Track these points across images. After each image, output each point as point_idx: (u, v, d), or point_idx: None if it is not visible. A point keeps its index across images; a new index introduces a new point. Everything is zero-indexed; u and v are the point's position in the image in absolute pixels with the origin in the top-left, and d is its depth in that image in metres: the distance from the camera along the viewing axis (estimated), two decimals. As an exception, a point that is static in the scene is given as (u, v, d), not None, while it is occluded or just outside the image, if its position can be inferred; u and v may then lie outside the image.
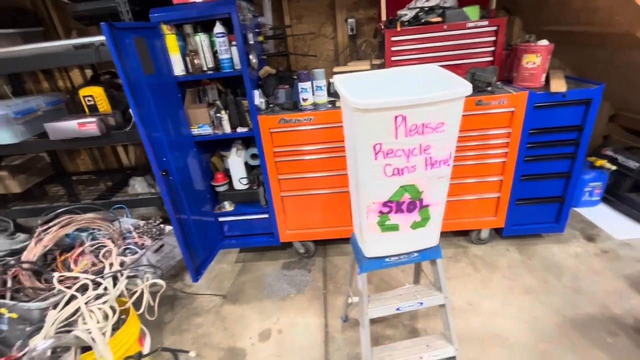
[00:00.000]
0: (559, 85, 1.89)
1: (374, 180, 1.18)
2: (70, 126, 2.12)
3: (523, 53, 1.97)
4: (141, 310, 1.70)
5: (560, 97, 1.91)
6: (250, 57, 1.89)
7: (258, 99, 1.98)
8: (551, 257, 2.26)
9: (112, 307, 1.47)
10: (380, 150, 1.12)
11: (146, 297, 1.72)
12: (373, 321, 1.87)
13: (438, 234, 1.39)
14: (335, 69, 1.99)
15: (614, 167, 2.57)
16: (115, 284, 1.61)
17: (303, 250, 2.47)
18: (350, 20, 2.64)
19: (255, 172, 2.30)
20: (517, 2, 2.66)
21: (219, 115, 2.07)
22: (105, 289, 1.54)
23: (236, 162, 2.29)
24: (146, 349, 1.67)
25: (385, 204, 1.24)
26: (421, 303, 1.48)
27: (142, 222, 2.32)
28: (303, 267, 2.42)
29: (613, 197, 2.70)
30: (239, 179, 2.31)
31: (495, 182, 2.17)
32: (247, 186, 2.35)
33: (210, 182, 2.35)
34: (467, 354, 1.67)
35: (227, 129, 2.09)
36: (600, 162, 2.60)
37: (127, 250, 1.92)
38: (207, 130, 2.09)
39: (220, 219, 2.36)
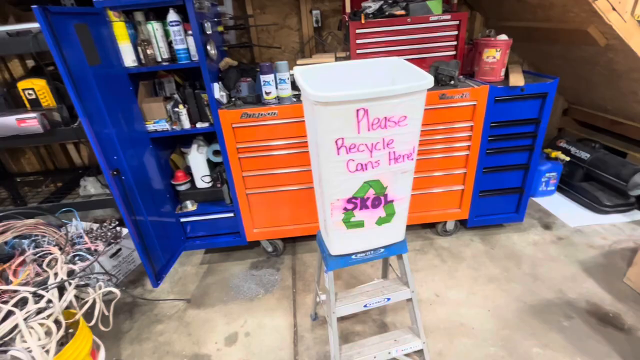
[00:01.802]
0: (517, 79, 1.95)
1: (337, 176, 1.14)
2: (8, 122, 1.91)
3: (484, 47, 2.00)
4: (93, 322, 1.57)
5: (519, 91, 1.96)
6: (208, 47, 1.78)
7: (218, 92, 1.88)
8: (512, 245, 2.35)
9: (57, 321, 1.34)
10: (342, 145, 1.08)
11: (99, 307, 1.59)
12: (342, 318, 1.86)
13: (404, 228, 1.38)
14: (299, 62, 1.93)
15: (567, 159, 2.71)
16: (62, 295, 1.48)
17: (271, 248, 2.40)
18: (315, 12, 2.58)
19: (218, 169, 2.19)
20: (478, -3, 2.72)
21: (177, 109, 1.95)
22: (49, 301, 1.40)
23: (197, 159, 2.18)
24: (100, 363, 1.55)
25: (349, 201, 1.20)
26: (388, 299, 1.47)
27: (95, 226, 2.16)
28: (272, 265, 2.36)
29: (567, 186, 2.85)
30: (201, 177, 2.20)
31: (459, 174, 2.21)
32: (210, 184, 2.25)
33: (170, 181, 2.22)
34: (434, 345, 1.70)
35: (186, 124, 1.98)
36: (555, 154, 2.74)
37: (77, 257, 1.77)
38: (164, 125, 1.96)
39: (182, 220, 2.24)
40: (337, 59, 2.01)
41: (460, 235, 2.48)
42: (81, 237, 1.90)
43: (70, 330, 1.41)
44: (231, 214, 2.24)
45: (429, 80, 1.04)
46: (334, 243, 1.32)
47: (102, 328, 1.67)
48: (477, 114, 2.00)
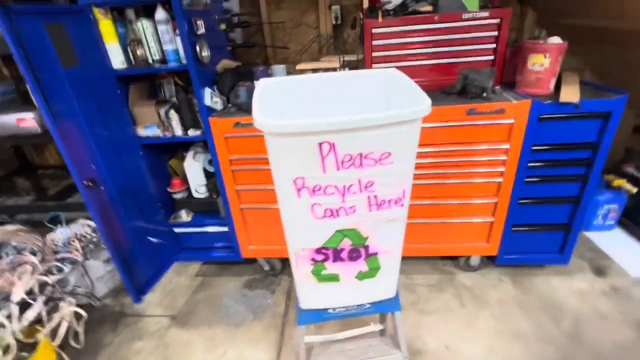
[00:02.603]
0: (570, 93, 1.54)
1: (301, 223, 0.90)
2: (8, 121, 1.89)
3: (529, 52, 1.61)
4: (57, 342, 1.48)
5: (572, 109, 1.56)
6: (198, 48, 1.60)
7: (209, 98, 1.70)
8: (551, 293, 1.94)
9: (5, 345, 1.25)
10: (303, 186, 0.83)
11: (64, 327, 1.49)
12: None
13: (394, 284, 1.10)
14: (299, 66, 1.69)
15: (634, 190, 2.20)
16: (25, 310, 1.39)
17: (268, 267, 2.21)
18: (334, 7, 2.31)
19: (214, 179, 2.03)
20: (531, -11, 2.27)
21: (169, 115, 1.80)
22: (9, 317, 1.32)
23: (193, 167, 2.03)
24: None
25: (318, 251, 0.95)
26: (373, 364, 1.20)
27: (89, 230, 2.10)
28: (267, 286, 2.17)
29: (632, 222, 2.33)
30: (196, 187, 2.06)
31: (489, 204, 1.84)
32: (206, 194, 2.10)
33: (166, 188, 2.10)
34: (433, 417, 1.40)
35: (178, 131, 1.83)
36: (618, 182, 2.23)
37: (62, 265, 1.69)
38: (155, 131, 1.83)
39: (176, 230, 2.12)
40: (344, 63, 1.74)
41: (487, 273, 2.11)
42: (68, 244, 1.84)
43: (24, 354, 1.32)
44: (226, 228, 2.07)
45: (423, 106, 0.76)
46: (303, 296, 1.08)
47: (74, 344, 1.59)
48: (515, 134, 1.63)
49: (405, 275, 2.12)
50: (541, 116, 1.59)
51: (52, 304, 1.57)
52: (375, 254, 0.99)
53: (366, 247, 0.96)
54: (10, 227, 1.68)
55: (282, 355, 1.72)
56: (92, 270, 2.05)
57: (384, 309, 1.15)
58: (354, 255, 0.97)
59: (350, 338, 1.28)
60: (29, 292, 1.51)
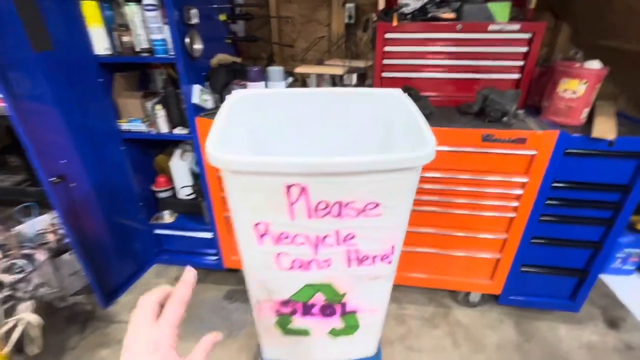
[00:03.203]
0: (605, 128, 1.34)
1: (263, 272, 0.74)
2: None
3: (562, 76, 1.41)
4: (7, 349, 1.36)
5: (605, 146, 1.35)
6: (188, 39, 1.43)
7: (199, 95, 1.54)
8: (556, 342, 1.75)
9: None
10: (266, 233, 0.67)
11: (17, 332, 1.37)
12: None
13: (375, 342, 0.94)
14: (299, 69, 1.51)
15: (662, 236, 1.98)
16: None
17: (251, 279, 2.06)
18: (349, 6, 2.12)
19: (198, 182, 1.88)
20: (568, 1, 2.04)
21: (155, 110, 1.65)
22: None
23: (180, 166, 1.89)
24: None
25: (284, 304, 0.79)
26: None
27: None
28: (247, 300, 2.02)
29: (654, 269, 2.11)
30: (181, 188, 1.91)
31: (496, 240, 1.65)
32: (192, 196, 1.95)
33: (151, 186, 1.96)
34: None
35: (164, 128, 1.68)
36: (644, 225, 2.01)
37: (23, 264, 1.57)
38: (139, 126, 1.68)
39: (157, 232, 1.98)
40: (349, 69, 1.55)
41: (487, 311, 1.92)
42: (36, 238, 1.72)
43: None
44: (210, 234, 1.93)
45: (425, 152, 0.58)
46: (267, 346, 0.92)
47: (28, 352, 1.47)
48: (536, 167, 1.43)
49: (396, 304, 1.95)
50: (568, 150, 1.39)
51: (10, 304, 1.45)
52: (354, 312, 0.82)
53: (343, 304, 0.80)
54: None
55: (253, 383, 1.58)
56: (67, 265, 1.93)
57: (361, 365, 0.99)
58: (327, 311, 0.81)
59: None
60: (-17, 292, 1.39)
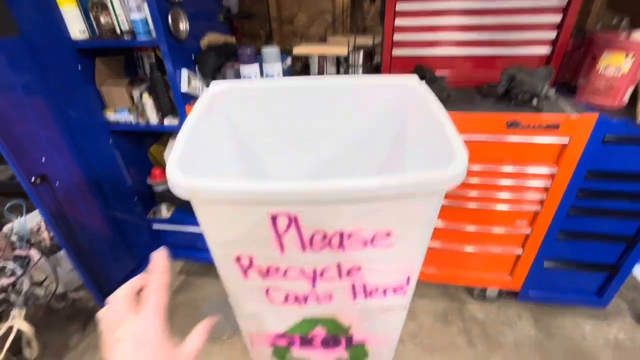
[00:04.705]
0: (654, 111, 1.15)
1: (250, 306, 0.62)
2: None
3: (603, 49, 1.20)
4: (0, 356, 1.31)
5: (652, 131, 1.17)
6: (171, 19, 1.26)
7: (188, 82, 1.39)
8: (579, 340, 1.64)
9: None
10: (251, 266, 0.54)
11: (10, 338, 1.32)
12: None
13: (386, 367, 0.83)
14: (297, 50, 1.33)
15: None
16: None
17: (255, 274, 1.98)
18: (354, -28, 1.89)
19: (196, 175, 1.76)
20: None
21: (143, 98, 1.51)
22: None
23: (174, 158, 1.76)
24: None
25: (280, 336, 0.68)
26: None
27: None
28: (252, 295, 1.95)
29: (688, 259, 1.94)
30: (177, 181, 1.80)
31: (518, 235, 1.51)
32: (189, 189, 1.84)
33: (146, 180, 1.85)
34: None
35: (153, 118, 1.54)
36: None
37: (13, 268, 1.50)
38: (126, 116, 1.55)
39: (155, 227, 1.89)
40: (354, 48, 1.36)
41: (505, 307, 1.81)
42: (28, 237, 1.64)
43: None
44: (210, 229, 1.83)
45: (453, 172, 0.43)
46: (264, 373, 0.82)
47: (27, 355, 1.43)
48: (568, 156, 1.26)
49: (408, 299, 1.86)
50: (607, 137, 1.21)
51: (2, 309, 1.39)
52: (362, 343, 0.71)
53: (349, 337, 0.68)
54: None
55: (258, 384, 1.52)
56: (65, 262, 1.87)
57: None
58: (330, 343, 0.70)
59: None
60: (-27, 298, 1.33)
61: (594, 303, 1.66)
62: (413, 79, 0.67)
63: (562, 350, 1.59)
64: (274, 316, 0.63)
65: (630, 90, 1.23)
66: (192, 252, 1.95)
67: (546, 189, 1.35)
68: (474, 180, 1.38)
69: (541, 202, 1.39)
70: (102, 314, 0.38)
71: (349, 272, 0.55)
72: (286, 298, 0.59)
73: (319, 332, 0.67)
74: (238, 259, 0.53)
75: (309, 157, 0.73)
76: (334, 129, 0.70)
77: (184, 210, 1.90)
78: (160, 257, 0.44)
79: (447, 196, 1.43)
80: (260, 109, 0.68)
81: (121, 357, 0.35)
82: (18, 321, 1.32)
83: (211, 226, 0.50)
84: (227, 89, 0.68)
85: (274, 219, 0.46)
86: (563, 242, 1.49)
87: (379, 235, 0.50)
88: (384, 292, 0.60)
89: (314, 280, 0.56)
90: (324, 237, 0.49)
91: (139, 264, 1.85)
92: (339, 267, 0.54)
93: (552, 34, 1.36)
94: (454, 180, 0.43)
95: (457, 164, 0.43)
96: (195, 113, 0.58)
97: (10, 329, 1.33)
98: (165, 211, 1.88)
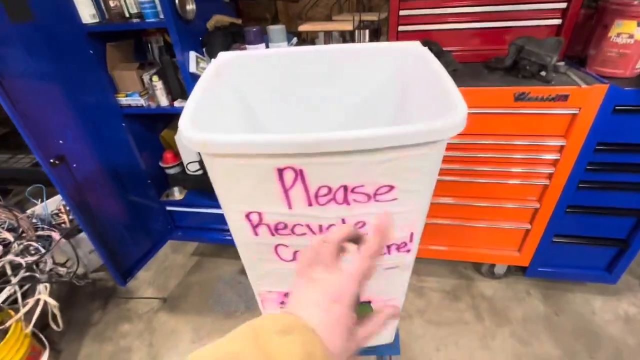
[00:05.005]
0: (667, 78, 1.13)
1: (261, 265, 0.65)
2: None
3: (615, 17, 1.18)
4: (28, 329, 1.39)
5: (664, 100, 1.15)
6: (178, 0, 1.28)
7: (196, 63, 1.41)
8: (589, 315, 1.64)
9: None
10: (260, 223, 0.57)
11: (37, 312, 1.40)
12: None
13: (393, 330, 0.86)
14: (303, 27, 1.33)
15: None
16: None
17: (266, 254, 2.03)
18: (360, -51, 1.86)
19: (206, 157, 1.80)
20: None
21: (153, 82, 1.54)
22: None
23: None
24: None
25: (289, 295, 0.71)
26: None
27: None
28: (264, 274, 2.00)
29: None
30: (188, 164, 1.84)
31: (527, 210, 1.51)
32: (200, 172, 1.88)
33: (159, 163, 1.90)
34: None
35: (163, 101, 1.57)
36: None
37: (39, 246, 1.57)
38: (137, 100, 1.58)
39: (168, 208, 1.95)
40: (359, 24, 1.36)
41: (513, 283, 1.82)
42: (50, 219, 1.72)
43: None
44: (220, 210, 1.87)
45: (454, 119, 0.45)
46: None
47: (54, 328, 1.51)
48: (577, 128, 1.25)
49: (415, 276, 1.88)
50: (618, 107, 1.19)
51: (29, 286, 1.47)
52: (368, 302, 0.74)
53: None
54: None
55: (271, 356, 1.58)
56: (85, 243, 1.95)
57: (379, 352, 0.92)
58: (337, 302, 0.73)
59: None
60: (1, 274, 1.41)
61: (603, 279, 1.66)
62: (415, 44, 0.68)
63: (571, 325, 1.61)
64: (283, 274, 0.66)
65: (642, 58, 1.20)
66: (205, 233, 2.00)
67: (555, 163, 1.35)
68: (483, 154, 1.38)
69: (549, 176, 1.39)
70: (303, 253, 0.39)
71: (355, 226, 0.57)
72: (294, 255, 0.62)
73: (327, 290, 0.70)
74: (247, 216, 0.56)
75: (315, 123, 0.75)
76: (339, 95, 0.72)
77: (196, 193, 1.94)
78: (387, 219, 0.40)
79: (454, 172, 1.44)
80: (267, 76, 0.70)
81: (314, 298, 0.35)
82: (44, 296, 1.39)
83: (222, 182, 0.53)
84: (234, 57, 0.70)
85: (280, 172, 0.49)
86: (572, 217, 1.48)
87: (382, 189, 0.52)
88: (389, 248, 0.62)
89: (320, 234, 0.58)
90: (329, 191, 0.52)
91: (155, 245, 1.92)
92: (344, 222, 0.56)
93: (562, 4, 1.33)
94: (454, 130, 0.44)
95: (456, 113, 0.45)
96: (204, 78, 0.61)
97: (37, 302, 1.41)
98: (177, 193, 1.93)
